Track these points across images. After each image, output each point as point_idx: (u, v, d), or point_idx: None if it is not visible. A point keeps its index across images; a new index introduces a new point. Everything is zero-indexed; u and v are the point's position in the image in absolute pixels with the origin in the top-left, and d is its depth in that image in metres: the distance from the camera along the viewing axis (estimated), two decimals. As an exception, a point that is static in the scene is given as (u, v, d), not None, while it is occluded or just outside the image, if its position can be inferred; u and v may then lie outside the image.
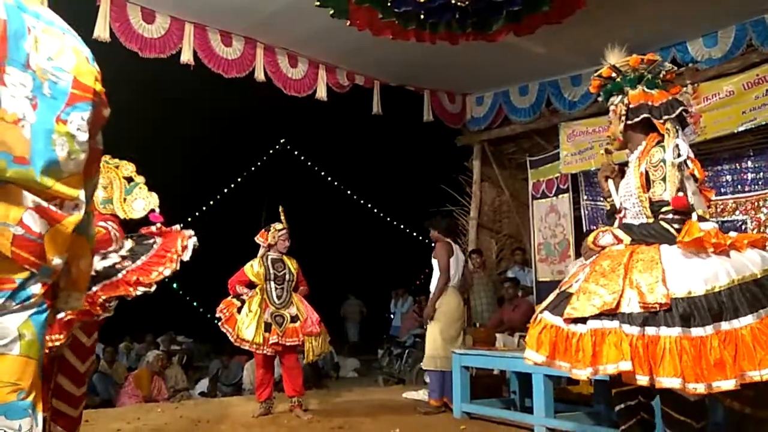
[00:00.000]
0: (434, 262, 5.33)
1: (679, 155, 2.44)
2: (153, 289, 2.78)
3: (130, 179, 3.10)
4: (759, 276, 2.29)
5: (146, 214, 3.03)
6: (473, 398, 4.85)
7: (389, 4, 4.12)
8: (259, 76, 5.77)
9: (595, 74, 2.77)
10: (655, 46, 5.98)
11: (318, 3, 4.40)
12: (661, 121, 2.55)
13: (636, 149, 2.66)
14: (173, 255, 2.87)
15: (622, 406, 2.67)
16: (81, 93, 1.67)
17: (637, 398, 2.62)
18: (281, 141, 9.16)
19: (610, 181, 2.84)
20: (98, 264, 2.72)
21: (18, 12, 1.55)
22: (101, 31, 4.83)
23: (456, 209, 8.13)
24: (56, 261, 1.69)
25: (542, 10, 4.41)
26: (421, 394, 5.93)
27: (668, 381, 2.12)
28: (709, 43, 5.68)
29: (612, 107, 2.71)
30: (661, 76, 2.67)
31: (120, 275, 2.72)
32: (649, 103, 2.58)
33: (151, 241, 2.95)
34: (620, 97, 2.67)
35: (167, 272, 2.81)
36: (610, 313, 2.24)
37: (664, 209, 2.46)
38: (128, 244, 2.91)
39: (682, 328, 2.17)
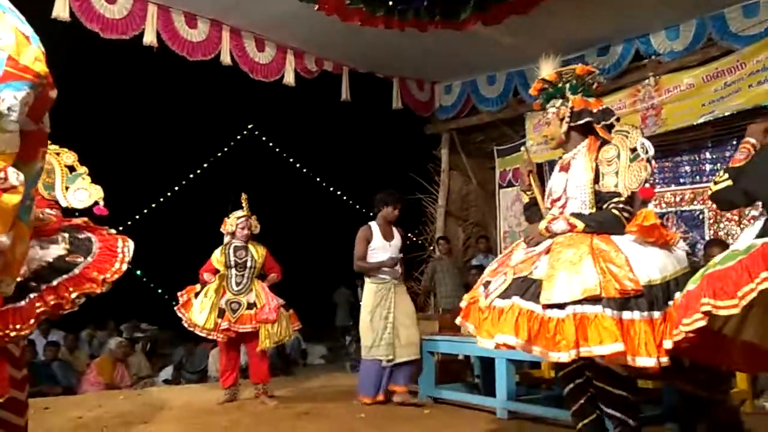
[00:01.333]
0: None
1: (647, 151, 2.66)
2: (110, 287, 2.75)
3: (71, 168, 3.03)
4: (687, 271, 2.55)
5: (90, 207, 3.00)
6: (439, 383, 4.92)
7: (357, -11, 4.09)
8: (225, 59, 5.67)
9: (540, 78, 2.97)
10: (618, 37, 6.11)
11: (286, -14, 4.34)
12: (600, 125, 2.82)
13: (575, 148, 2.90)
14: (121, 255, 2.83)
15: (572, 385, 2.80)
16: (16, 72, 1.61)
17: (584, 375, 2.73)
18: (249, 126, 9.03)
19: (531, 176, 3.11)
20: (44, 253, 2.66)
21: None
22: (60, 10, 4.68)
23: (424, 197, 8.18)
24: (2, 239, 1.64)
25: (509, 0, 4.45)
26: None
27: (645, 361, 2.31)
28: (671, 36, 5.81)
29: (553, 110, 2.93)
30: (594, 86, 2.93)
31: (77, 270, 2.67)
32: (590, 109, 2.85)
33: (83, 236, 2.88)
34: (561, 101, 2.90)
35: (123, 269, 2.78)
36: (592, 299, 2.38)
37: (615, 199, 2.68)
38: (65, 236, 2.84)
39: (648, 311, 2.37)
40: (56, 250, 2.72)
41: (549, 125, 2.95)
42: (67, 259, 2.70)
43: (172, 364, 8.07)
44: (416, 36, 5.12)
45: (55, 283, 2.59)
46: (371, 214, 5.25)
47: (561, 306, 2.40)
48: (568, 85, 2.89)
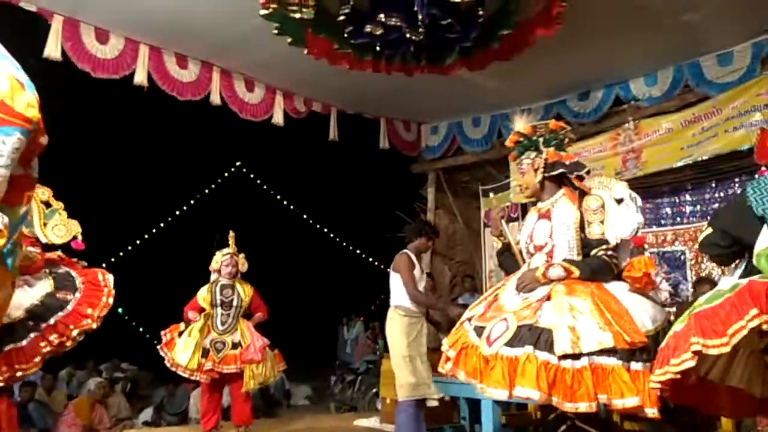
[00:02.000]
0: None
1: (636, 201, 2.82)
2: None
3: (47, 204, 3.06)
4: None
5: (68, 242, 3.04)
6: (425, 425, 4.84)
7: (345, 35, 4.21)
8: (215, 99, 5.76)
9: (516, 131, 3.11)
10: (598, 83, 6.32)
11: (276, 31, 4.45)
12: (573, 176, 2.97)
13: (551, 197, 3.03)
14: (107, 289, 2.88)
15: (564, 427, 2.78)
16: (8, 117, 1.64)
17: (572, 421, 2.74)
18: (237, 164, 9.07)
19: (503, 222, 3.25)
20: (34, 292, 2.67)
21: None
22: (52, 50, 4.76)
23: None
24: None
25: (492, 47, 4.59)
26: (373, 422, 5.90)
27: (651, 411, 2.39)
28: (649, 82, 6.02)
29: (528, 161, 3.06)
30: (565, 141, 3.10)
31: (70, 307, 2.71)
32: (562, 161, 3.00)
33: (62, 270, 2.92)
34: (535, 153, 3.03)
35: (110, 301, 2.84)
36: (606, 351, 2.44)
37: (603, 246, 2.80)
38: (42, 273, 2.86)
39: (649, 362, 2.44)
40: (44, 288, 2.74)
41: (524, 175, 3.08)
42: (57, 296, 2.73)
43: (153, 405, 7.86)
44: (403, 79, 5.25)
45: (52, 321, 2.63)
46: (402, 242, 4.79)
47: (575, 356, 2.45)
48: (541, 139, 3.04)
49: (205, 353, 4.80)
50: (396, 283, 4.48)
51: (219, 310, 4.98)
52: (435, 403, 4.25)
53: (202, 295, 5.05)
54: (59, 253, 3.07)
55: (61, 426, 6.34)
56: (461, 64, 4.89)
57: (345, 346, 10.84)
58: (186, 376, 4.93)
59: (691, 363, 2.07)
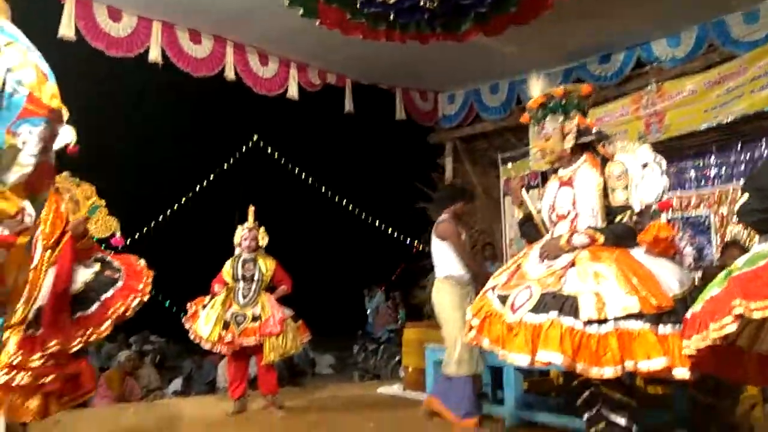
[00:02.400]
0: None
1: (661, 165, 2.76)
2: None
3: (89, 198, 3.27)
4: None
5: (108, 238, 3.27)
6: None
7: (358, 5, 4.15)
8: (229, 74, 5.74)
9: (544, 92, 3.00)
10: (619, 45, 6.15)
11: (288, 3, 4.40)
12: (600, 144, 2.91)
13: (573, 164, 2.96)
14: (145, 270, 3.18)
15: (587, 393, 2.80)
16: (34, 108, 1.68)
17: (596, 386, 2.75)
18: (254, 138, 9.10)
19: (524, 191, 3.18)
20: (88, 270, 2.99)
21: None
22: (66, 29, 4.77)
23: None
24: (11, 281, 1.72)
25: (509, 11, 4.49)
26: (396, 389, 6.00)
27: (683, 372, 2.36)
28: (672, 43, 5.84)
29: (555, 125, 2.95)
30: (587, 107, 3.03)
31: (121, 283, 2.99)
32: (590, 128, 2.94)
33: (101, 255, 3.16)
34: (563, 117, 2.94)
35: (150, 280, 3.12)
36: (633, 316, 2.43)
37: (629, 212, 2.76)
38: (96, 267, 3.12)
39: (678, 325, 2.42)
40: (92, 268, 3.02)
41: (548, 139, 2.98)
42: (106, 274, 3.00)
43: (182, 375, 8.10)
44: (418, 47, 5.17)
45: (111, 293, 2.93)
46: (440, 209, 4.54)
47: (601, 321, 2.45)
48: (572, 103, 2.94)
49: (226, 326, 4.90)
50: (442, 251, 4.27)
51: (241, 283, 5.07)
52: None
53: (226, 269, 5.15)
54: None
55: (94, 397, 6.56)
56: (477, 30, 4.79)
57: (366, 316, 10.97)
58: (208, 347, 5.03)
59: (733, 327, 2.00)
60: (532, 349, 2.52)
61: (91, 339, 2.82)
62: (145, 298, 3.00)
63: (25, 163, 1.67)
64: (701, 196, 5.86)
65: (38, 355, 2.64)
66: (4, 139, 1.62)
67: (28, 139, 1.66)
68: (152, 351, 9.28)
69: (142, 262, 3.20)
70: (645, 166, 2.77)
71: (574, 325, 2.48)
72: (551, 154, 3.00)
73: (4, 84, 1.62)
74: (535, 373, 5.13)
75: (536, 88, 3.04)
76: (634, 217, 2.75)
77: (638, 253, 2.68)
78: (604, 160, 2.88)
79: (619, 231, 2.74)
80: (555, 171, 3.11)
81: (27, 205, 1.70)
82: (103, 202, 3.23)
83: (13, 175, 1.65)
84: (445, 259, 4.26)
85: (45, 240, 2.83)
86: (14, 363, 2.59)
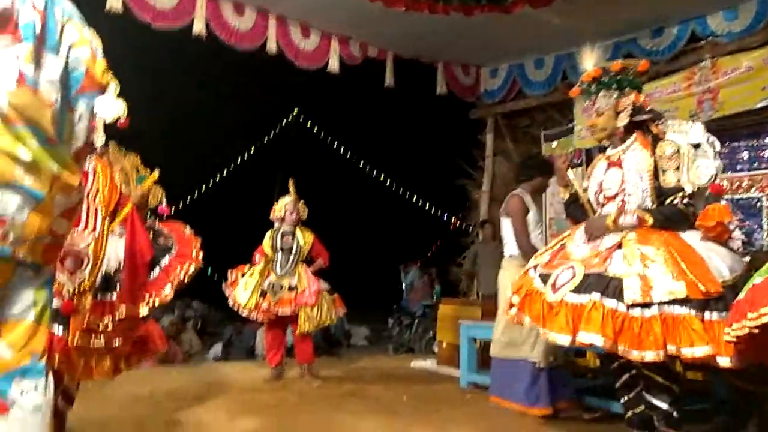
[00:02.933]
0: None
1: (714, 147, 2.66)
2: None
3: (136, 170, 3.33)
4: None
5: (155, 207, 3.34)
6: (480, 369, 4.94)
7: (401, -25, 4.08)
8: (271, 48, 5.75)
9: (598, 66, 2.89)
10: (673, 18, 5.89)
11: (331, -26, 4.36)
12: (655, 123, 2.81)
13: (623, 144, 2.86)
14: (194, 238, 3.27)
15: (626, 376, 2.79)
16: (90, 84, 1.75)
17: (638, 370, 2.71)
18: (294, 111, 9.16)
19: (570, 171, 3.11)
20: None
21: (52, 4, 1.65)
22: (114, 1, 4.85)
23: (468, 182, 8.14)
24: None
25: (558, -19, 4.34)
26: (429, 364, 6.05)
27: (726, 360, 2.30)
28: (729, 17, 5.56)
29: (609, 101, 2.85)
30: (642, 84, 2.93)
31: (174, 251, 3.10)
32: (645, 106, 2.84)
33: (149, 223, 3.25)
34: (618, 93, 2.83)
35: (199, 246, 3.20)
36: (679, 301, 2.38)
37: (679, 194, 2.66)
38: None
39: (725, 312, 2.34)
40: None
41: (600, 115, 2.87)
42: (159, 241, 3.11)
43: (222, 341, 8.36)
44: (461, 20, 5.07)
45: (167, 260, 3.05)
46: (521, 181, 4.22)
47: (645, 305, 2.40)
48: (627, 79, 2.84)
49: (263, 294, 5.03)
50: (507, 229, 4.16)
51: (279, 255, 5.17)
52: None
53: (266, 240, 5.26)
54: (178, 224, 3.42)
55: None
56: (524, 2, 4.66)
57: (402, 291, 11.04)
58: (245, 314, 5.16)
59: None
60: (573, 330, 2.50)
61: (156, 303, 2.94)
62: (200, 265, 3.09)
63: (80, 137, 1.74)
64: (754, 178, 5.62)
65: (109, 319, 2.78)
66: (65, 114, 1.69)
67: (83, 114, 1.73)
68: (194, 317, 9.59)
69: (189, 229, 3.28)
70: (697, 146, 2.67)
71: (617, 308, 2.44)
72: (602, 131, 2.89)
73: (67, 60, 1.69)
74: (570, 354, 5.09)
75: (590, 60, 2.93)
76: (685, 200, 2.65)
77: (689, 236, 2.60)
78: (656, 140, 2.78)
79: (669, 213, 2.66)
80: (602, 150, 3.03)
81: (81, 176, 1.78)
82: (148, 172, 3.29)
83: (73, 148, 1.73)
84: (510, 237, 4.14)
85: (104, 208, 2.95)
86: (88, 327, 2.72)
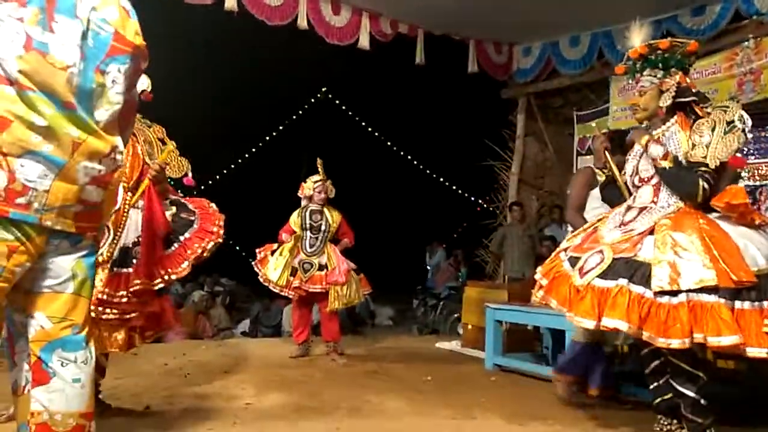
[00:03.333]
0: None
1: (744, 122, 2.58)
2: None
3: (162, 141, 3.28)
4: None
5: (180, 178, 3.28)
6: (506, 352, 4.91)
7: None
8: (302, 23, 5.71)
9: (646, 43, 2.81)
10: (718, -4, 5.64)
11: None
12: (699, 106, 2.73)
13: (662, 125, 2.79)
14: (217, 215, 3.22)
15: (655, 363, 2.77)
16: (121, 46, 1.71)
17: (666, 357, 2.68)
18: (323, 90, 9.12)
19: (607, 153, 3.02)
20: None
21: None
22: (146, -24, 4.85)
23: (497, 164, 8.03)
24: (107, 219, 1.80)
25: (597, -44, 4.18)
26: (454, 345, 6.05)
27: (757, 351, 2.27)
28: (776, -6, 5.30)
29: (653, 80, 2.77)
30: (689, 65, 2.83)
31: (196, 225, 3.08)
32: (691, 88, 2.76)
33: (174, 198, 3.24)
34: (663, 72, 2.76)
35: (222, 224, 3.16)
36: (707, 289, 2.34)
37: (702, 168, 2.60)
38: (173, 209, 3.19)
39: (759, 301, 2.33)
40: (171, 210, 3.11)
41: (642, 95, 2.80)
42: (182, 216, 3.10)
43: (250, 317, 8.49)
44: (495, -4, 4.94)
45: (188, 235, 3.03)
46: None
47: (674, 293, 2.37)
48: (674, 58, 2.76)
49: (294, 272, 5.07)
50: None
51: (308, 233, 5.19)
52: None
53: (294, 219, 5.28)
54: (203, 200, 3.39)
55: (169, 333, 7.00)
56: (560, -22, 4.51)
57: (427, 272, 11.03)
58: (276, 291, 5.23)
59: None
60: (598, 314, 2.48)
61: (172, 278, 2.94)
62: (220, 240, 3.08)
63: (115, 101, 1.72)
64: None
65: (123, 292, 2.81)
66: (94, 78, 1.67)
67: (117, 78, 1.71)
68: (223, 293, 9.74)
69: (214, 205, 3.26)
70: (730, 123, 2.59)
71: (644, 294, 2.41)
72: (644, 111, 2.82)
73: (89, 23, 1.66)
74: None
75: (638, 37, 2.83)
76: (706, 174, 2.58)
77: (725, 223, 2.53)
78: (697, 119, 2.70)
79: (685, 173, 2.61)
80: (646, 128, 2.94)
81: (119, 142, 1.76)
82: (174, 144, 3.26)
83: (106, 113, 1.71)
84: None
85: (126, 181, 2.96)
86: (103, 299, 2.76)
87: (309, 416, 3.23)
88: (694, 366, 2.56)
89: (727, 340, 2.26)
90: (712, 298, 2.32)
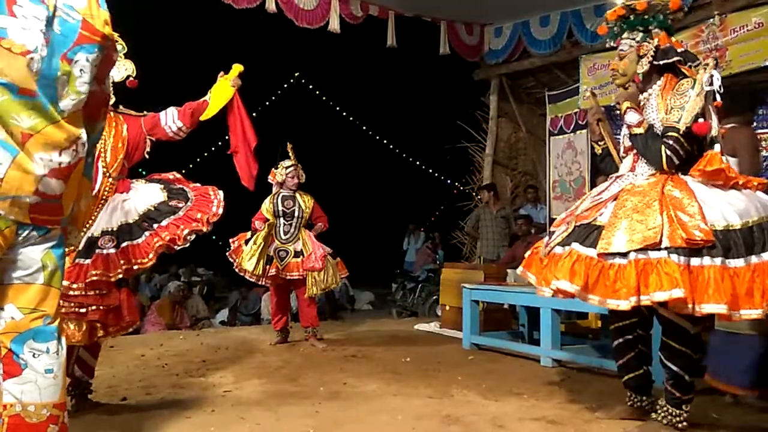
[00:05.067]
0: None
1: (711, 83, 2.47)
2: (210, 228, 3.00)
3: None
4: None
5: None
6: (483, 331, 4.98)
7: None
8: (270, 6, 5.63)
9: (623, 4, 2.69)
10: (683, -27, 5.69)
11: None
12: (687, 66, 2.61)
13: (650, 87, 2.69)
14: (217, 200, 3.10)
15: (621, 340, 2.78)
16: (89, 35, 1.67)
17: (635, 332, 2.72)
18: (296, 75, 9.03)
19: (602, 126, 2.92)
20: (150, 199, 2.98)
21: None
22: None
23: (471, 146, 8.07)
24: (68, 210, 1.77)
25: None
26: (433, 327, 6.11)
27: (712, 308, 2.23)
28: (740, -29, 5.37)
29: (631, 43, 2.68)
30: (672, 23, 2.71)
31: (181, 213, 2.96)
32: (675, 48, 2.62)
33: (177, 186, 3.15)
34: (642, 35, 2.66)
35: (220, 211, 3.05)
36: (654, 247, 2.30)
37: (669, 133, 2.53)
38: (157, 186, 3.10)
39: (723, 258, 2.27)
40: (159, 197, 3.02)
41: (622, 59, 2.70)
42: (170, 203, 2.99)
43: (228, 306, 8.47)
44: (464, -23, 4.93)
45: (165, 222, 2.91)
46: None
47: (623, 254, 2.35)
48: (654, 19, 2.65)
49: (269, 260, 5.04)
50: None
51: (281, 220, 5.16)
52: None
53: (266, 206, 5.22)
54: (174, 173, 3.30)
55: (146, 324, 6.95)
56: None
57: (407, 255, 11.08)
58: (252, 281, 5.20)
59: None
60: (550, 280, 2.51)
61: (134, 269, 2.84)
62: (204, 229, 2.94)
63: (81, 91, 1.67)
64: (762, 137, 5.54)
65: (80, 284, 2.72)
66: (59, 66, 1.62)
67: (85, 67, 1.66)
68: (200, 282, 9.69)
69: (220, 193, 3.14)
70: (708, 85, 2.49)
71: (592, 256, 2.41)
72: (622, 77, 2.72)
73: (55, 9, 1.61)
74: (573, 316, 5.13)
75: None
76: (670, 141, 2.51)
77: (699, 185, 2.47)
78: (686, 77, 2.59)
79: (652, 141, 2.55)
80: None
81: (83, 134, 1.72)
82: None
83: (71, 103, 1.67)
84: None
85: (105, 168, 2.89)
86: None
87: (288, 401, 3.24)
88: (683, 344, 2.54)
89: (671, 293, 2.21)
90: (660, 255, 2.29)
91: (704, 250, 2.29)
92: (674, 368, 2.55)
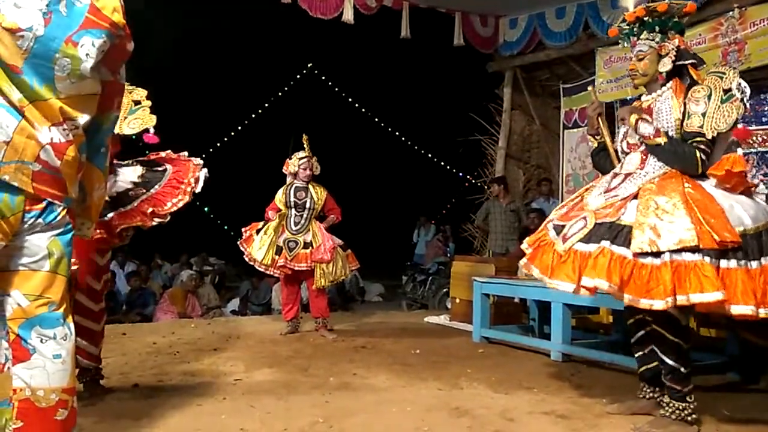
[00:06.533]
0: None
1: (742, 92, 2.55)
2: (167, 219, 2.87)
3: (137, 102, 3.08)
4: None
5: (140, 133, 3.03)
6: (493, 325, 4.97)
7: None
8: (284, -3, 5.62)
9: (644, 5, 2.75)
10: (703, -36, 5.60)
11: None
12: (697, 69, 2.70)
13: (659, 89, 2.76)
14: (186, 187, 2.92)
15: (642, 332, 2.80)
16: (96, 20, 1.67)
17: (651, 326, 2.71)
18: (308, 65, 9.02)
19: (600, 120, 2.97)
20: (111, 189, 2.79)
21: None
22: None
23: (484, 138, 8.01)
24: (74, 191, 1.78)
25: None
26: (443, 319, 6.11)
27: (741, 309, 2.32)
28: (762, -38, 5.27)
29: (652, 43, 2.73)
30: (685, 27, 2.81)
31: (135, 203, 2.84)
32: (689, 50, 2.73)
33: (162, 168, 3.02)
34: (661, 36, 2.72)
35: (181, 204, 2.89)
36: (689, 249, 2.35)
37: (697, 139, 2.59)
38: (138, 169, 2.99)
39: (745, 260, 2.38)
40: (119, 186, 2.87)
41: (641, 59, 2.75)
42: (131, 193, 2.86)
43: (239, 296, 8.52)
44: (480, -33, 4.88)
45: (107, 218, 2.77)
46: None
47: (656, 254, 2.38)
48: (671, 20, 2.71)
49: (279, 251, 5.06)
50: None
51: (293, 211, 5.17)
52: None
53: (279, 197, 5.25)
54: (169, 152, 3.16)
55: (158, 312, 7.02)
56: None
57: (417, 248, 11.08)
58: (261, 270, 5.23)
59: None
60: (578, 277, 2.50)
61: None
62: (149, 223, 2.82)
63: (85, 74, 1.68)
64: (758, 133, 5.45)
65: None
66: (62, 47, 1.63)
67: (90, 51, 1.66)
68: (212, 272, 9.76)
69: (201, 174, 3.00)
70: (728, 91, 2.56)
71: (626, 255, 2.43)
72: (643, 77, 2.77)
73: None
74: (584, 311, 5.10)
75: (631, 1, 2.78)
76: (702, 146, 2.57)
77: (710, 185, 2.56)
78: (692, 86, 2.68)
79: (681, 150, 2.60)
80: (638, 97, 2.94)
81: (79, 118, 1.72)
82: (149, 103, 3.01)
83: (72, 86, 1.67)
84: None
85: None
86: None
87: (298, 390, 3.25)
88: (676, 334, 2.58)
89: (711, 296, 2.28)
90: (695, 257, 2.34)
91: (730, 252, 2.37)
92: (670, 362, 2.58)
